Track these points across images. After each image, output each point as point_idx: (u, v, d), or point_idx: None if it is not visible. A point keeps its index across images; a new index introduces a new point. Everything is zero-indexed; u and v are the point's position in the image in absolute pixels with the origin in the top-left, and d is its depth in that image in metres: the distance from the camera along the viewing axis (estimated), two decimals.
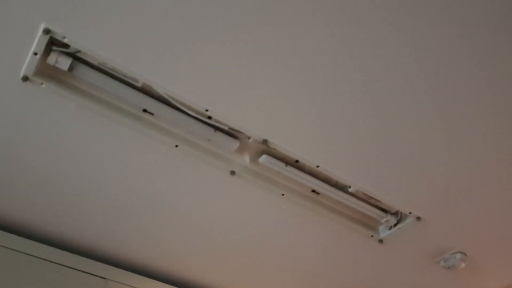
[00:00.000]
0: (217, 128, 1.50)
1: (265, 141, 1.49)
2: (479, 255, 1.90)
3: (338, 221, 1.78)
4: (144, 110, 1.46)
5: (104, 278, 1.94)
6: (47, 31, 1.21)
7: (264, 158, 1.57)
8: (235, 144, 1.53)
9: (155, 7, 1.16)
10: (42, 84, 1.33)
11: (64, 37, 1.23)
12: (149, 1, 1.15)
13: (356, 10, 1.14)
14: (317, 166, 1.56)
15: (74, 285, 1.85)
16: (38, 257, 1.83)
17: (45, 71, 1.34)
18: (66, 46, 1.27)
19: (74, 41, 1.24)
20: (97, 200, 1.75)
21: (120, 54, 1.26)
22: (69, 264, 1.88)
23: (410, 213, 1.72)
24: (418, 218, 1.73)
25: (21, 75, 1.31)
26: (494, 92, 1.30)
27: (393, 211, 1.79)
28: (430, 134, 1.43)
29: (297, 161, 1.59)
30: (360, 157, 1.52)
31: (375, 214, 1.77)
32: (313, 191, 1.73)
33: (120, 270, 1.99)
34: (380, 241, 1.86)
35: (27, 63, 1.28)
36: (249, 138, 1.51)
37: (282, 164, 1.59)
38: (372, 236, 1.84)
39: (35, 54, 1.26)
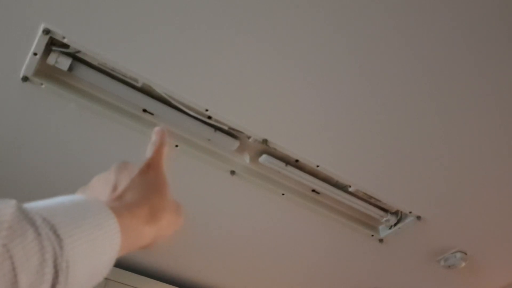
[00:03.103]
0: (217, 128, 1.50)
1: (265, 141, 1.48)
2: (479, 254, 1.90)
3: (338, 221, 1.78)
4: (144, 110, 1.46)
5: (105, 278, 1.93)
6: (47, 31, 1.21)
7: (264, 158, 1.57)
8: (235, 144, 1.53)
9: (155, 8, 1.16)
10: (42, 84, 1.33)
11: (64, 37, 1.23)
12: (149, 1, 1.15)
13: (357, 11, 1.14)
14: (317, 166, 1.56)
15: None
16: None
17: (45, 71, 1.34)
18: (66, 46, 1.27)
19: (74, 41, 1.23)
20: None
21: (120, 54, 1.26)
22: None
23: (410, 212, 1.72)
24: (418, 218, 1.72)
25: (21, 75, 1.31)
26: (494, 93, 1.30)
27: (393, 210, 1.78)
28: (431, 134, 1.43)
29: (297, 160, 1.59)
30: (360, 157, 1.51)
31: (375, 213, 1.77)
32: (313, 190, 1.73)
33: (120, 270, 1.99)
34: (380, 240, 1.86)
35: (27, 63, 1.28)
36: (249, 138, 1.51)
37: (282, 164, 1.58)
38: (372, 235, 1.84)
39: (35, 54, 1.26)
